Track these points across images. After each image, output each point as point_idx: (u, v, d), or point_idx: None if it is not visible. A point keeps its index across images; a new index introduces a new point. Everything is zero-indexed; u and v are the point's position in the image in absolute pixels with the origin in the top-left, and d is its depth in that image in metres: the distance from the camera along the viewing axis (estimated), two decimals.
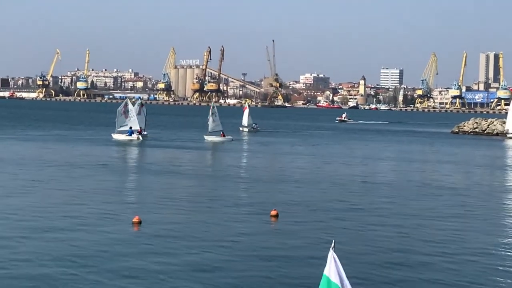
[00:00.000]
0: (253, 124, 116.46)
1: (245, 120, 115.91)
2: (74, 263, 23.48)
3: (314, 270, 23.20)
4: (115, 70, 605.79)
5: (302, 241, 28.04)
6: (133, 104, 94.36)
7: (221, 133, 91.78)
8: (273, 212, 33.61)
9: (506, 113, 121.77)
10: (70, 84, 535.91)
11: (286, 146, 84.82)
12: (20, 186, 42.02)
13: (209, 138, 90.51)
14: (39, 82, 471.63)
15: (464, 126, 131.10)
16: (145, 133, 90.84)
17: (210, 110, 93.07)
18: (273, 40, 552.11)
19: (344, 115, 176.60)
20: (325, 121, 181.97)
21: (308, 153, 75.09)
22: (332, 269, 10.63)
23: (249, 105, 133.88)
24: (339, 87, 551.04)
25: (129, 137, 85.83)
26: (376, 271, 23.58)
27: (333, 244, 10.74)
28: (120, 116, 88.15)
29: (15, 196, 37.60)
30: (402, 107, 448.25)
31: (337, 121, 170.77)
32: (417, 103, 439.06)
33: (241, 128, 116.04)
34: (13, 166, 52.60)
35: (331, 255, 10.64)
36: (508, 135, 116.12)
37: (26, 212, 32.66)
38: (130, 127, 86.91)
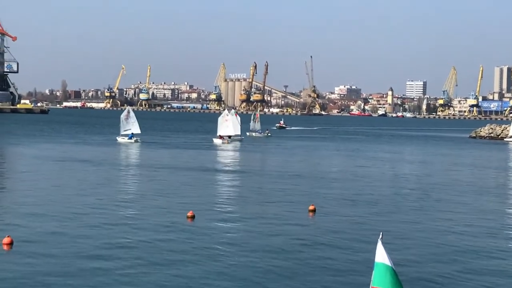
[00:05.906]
0: (259, 130, 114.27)
1: (257, 126, 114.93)
2: (129, 251, 23.34)
3: (355, 261, 22.68)
4: (173, 83, 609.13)
5: (339, 235, 27.50)
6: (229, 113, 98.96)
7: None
8: (311, 207, 33.18)
9: None
10: (133, 95, 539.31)
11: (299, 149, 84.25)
12: (89, 184, 42.23)
13: (214, 140, 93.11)
14: (107, 94, 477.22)
15: (481, 131, 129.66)
16: (241, 137, 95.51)
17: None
18: (311, 56, 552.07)
19: (281, 122, 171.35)
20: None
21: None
22: (386, 256, 10.22)
23: (262, 113, 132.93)
24: (370, 97, 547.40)
25: (130, 140, 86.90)
26: (412, 264, 22.35)
27: (381, 235, 10.39)
28: (123, 122, 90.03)
29: (85, 195, 37.74)
30: (426, 115, 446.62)
31: (275, 128, 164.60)
32: (439, 111, 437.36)
33: (248, 133, 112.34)
34: (84, 165, 53.03)
35: (380, 245, 10.27)
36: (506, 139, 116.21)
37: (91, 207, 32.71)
38: (132, 133, 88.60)
